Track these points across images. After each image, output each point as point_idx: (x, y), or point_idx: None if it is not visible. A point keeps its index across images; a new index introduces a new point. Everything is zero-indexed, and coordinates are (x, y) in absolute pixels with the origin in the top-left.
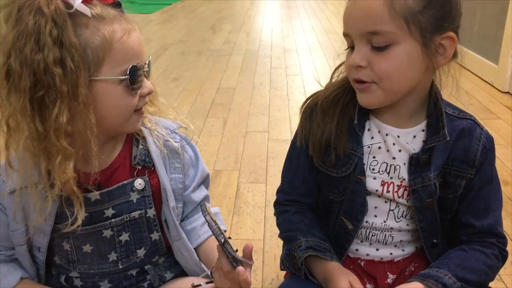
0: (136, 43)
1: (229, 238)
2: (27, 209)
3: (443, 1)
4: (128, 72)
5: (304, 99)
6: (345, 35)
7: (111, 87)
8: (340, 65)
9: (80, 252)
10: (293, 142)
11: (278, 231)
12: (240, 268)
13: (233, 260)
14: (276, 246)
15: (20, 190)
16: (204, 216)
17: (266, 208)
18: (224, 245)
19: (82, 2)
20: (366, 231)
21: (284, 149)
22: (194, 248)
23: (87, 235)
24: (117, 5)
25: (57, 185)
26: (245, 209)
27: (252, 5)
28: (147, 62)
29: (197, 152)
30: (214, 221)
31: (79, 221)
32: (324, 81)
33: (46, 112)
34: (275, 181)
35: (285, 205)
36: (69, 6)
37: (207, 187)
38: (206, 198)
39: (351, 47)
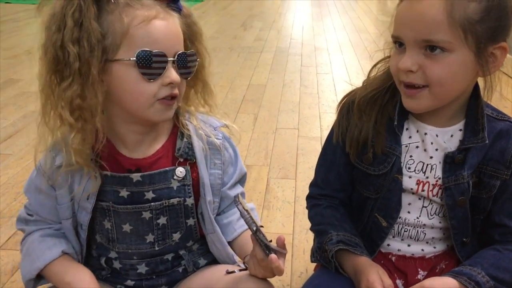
0: (158, 30)
1: (261, 226)
2: (72, 184)
3: (500, 12)
4: (135, 55)
5: (334, 97)
6: (395, 37)
7: (125, 69)
8: (378, 62)
9: (120, 231)
10: (329, 138)
11: (307, 226)
12: (273, 255)
13: (265, 248)
14: (305, 241)
15: (67, 166)
16: (236, 206)
17: (295, 203)
18: (256, 233)
19: None
20: (398, 227)
21: (313, 146)
22: (230, 242)
23: (127, 215)
24: (174, 1)
25: (71, 155)
26: (274, 204)
27: (283, 3)
28: (178, 53)
29: (236, 151)
30: (246, 211)
31: (88, 192)
32: (355, 80)
33: (62, 84)
34: (305, 177)
35: (317, 199)
36: None
37: (243, 185)
38: (242, 195)
39: (399, 43)
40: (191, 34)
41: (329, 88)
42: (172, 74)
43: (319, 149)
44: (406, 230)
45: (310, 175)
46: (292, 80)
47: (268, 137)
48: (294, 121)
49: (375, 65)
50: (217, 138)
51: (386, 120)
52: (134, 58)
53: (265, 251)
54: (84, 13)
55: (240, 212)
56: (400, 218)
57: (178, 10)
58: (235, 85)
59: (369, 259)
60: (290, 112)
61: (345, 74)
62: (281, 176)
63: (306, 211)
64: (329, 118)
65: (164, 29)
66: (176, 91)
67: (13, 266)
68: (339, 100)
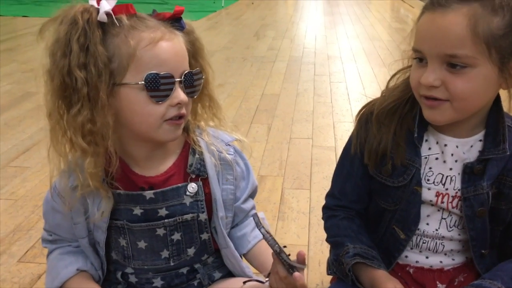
0: (164, 52)
1: (285, 247)
2: (85, 204)
3: None
4: (144, 78)
5: (348, 106)
6: (416, 50)
7: (134, 93)
8: (397, 72)
9: (135, 248)
10: (346, 148)
11: (322, 237)
12: (298, 274)
13: (289, 267)
14: (320, 252)
15: (81, 187)
16: (259, 229)
17: (310, 214)
18: (280, 255)
19: (122, 13)
20: (417, 238)
21: (328, 156)
22: (245, 253)
23: (142, 232)
24: (177, 20)
25: (87, 179)
26: (289, 215)
27: (295, 12)
28: (184, 73)
29: (248, 165)
30: (269, 233)
31: (105, 215)
32: (369, 89)
33: (71, 110)
34: (319, 187)
35: (334, 210)
36: (109, 17)
37: (253, 198)
38: (253, 207)
39: (419, 58)
40: (194, 52)
41: (343, 97)
42: (180, 94)
43: (333, 158)
44: (424, 242)
45: (325, 185)
46: (306, 89)
47: (282, 147)
48: (308, 130)
49: (393, 75)
50: (228, 154)
51: (406, 132)
52: (143, 82)
53: (289, 269)
54: (90, 37)
55: (263, 235)
56: (418, 229)
57: (181, 28)
58: (249, 95)
59: (387, 273)
60: (304, 122)
61: (358, 83)
62: (296, 186)
63: (321, 222)
64: (343, 127)
65: (170, 50)
66: (183, 110)
67: (31, 279)
68: (352, 109)
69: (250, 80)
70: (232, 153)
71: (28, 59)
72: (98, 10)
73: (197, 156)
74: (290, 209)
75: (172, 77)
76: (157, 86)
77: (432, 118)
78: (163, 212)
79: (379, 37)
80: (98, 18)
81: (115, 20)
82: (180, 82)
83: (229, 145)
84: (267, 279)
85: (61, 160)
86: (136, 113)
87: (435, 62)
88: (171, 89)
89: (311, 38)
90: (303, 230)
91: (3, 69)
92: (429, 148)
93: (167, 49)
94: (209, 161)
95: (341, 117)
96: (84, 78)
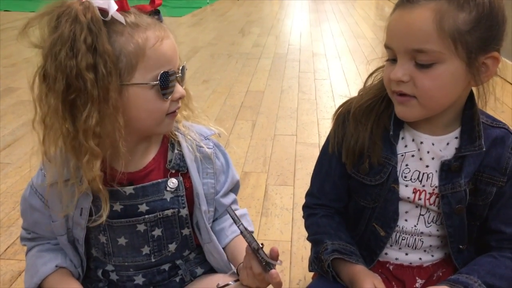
0: (168, 49)
1: (262, 245)
2: (63, 201)
3: (491, 22)
4: (159, 78)
5: (332, 103)
6: (387, 47)
7: (143, 92)
8: (375, 71)
9: (115, 245)
10: (324, 148)
11: (305, 233)
12: (274, 271)
13: (266, 264)
14: (303, 248)
15: (57, 184)
16: (238, 226)
17: (293, 210)
18: (258, 252)
19: (118, 10)
20: (396, 235)
21: (311, 152)
22: (222, 248)
23: (122, 228)
24: (156, 13)
25: (84, 181)
26: (273, 211)
27: (281, 9)
28: (180, 68)
29: (228, 159)
30: (246, 229)
31: (104, 218)
32: (353, 86)
33: (77, 113)
34: (303, 184)
35: (313, 208)
36: (105, 14)
37: (236, 193)
38: (234, 202)
39: (392, 59)
40: None
41: (327, 94)
42: (179, 88)
43: (317, 155)
44: (403, 238)
45: (308, 182)
46: (290, 86)
47: (267, 144)
48: (292, 127)
49: (371, 75)
50: (208, 148)
51: (382, 130)
52: (158, 82)
53: (265, 267)
54: (97, 36)
55: (241, 232)
56: (397, 226)
57: (161, 20)
58: (234, 91)
59: (365, 268)
60: (288, 119)
61: (343, 80)
62: (279, 183)
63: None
64: (327, 124)
65: (172, 47)
66: (180, 103)
67: (12, 276)
68: (336, 106)
69: (235, 76)
70: (212, 146)
71: (9, 54)
72: (97, 7)
73: (176, 151)
74: (273, 205)
75: (175, 73)
76: (167, 84)
77: (402, 115)
78: (143, 208)
79: (363, 35)
80: (112, 15)
81: (119, 19)
82: (179, 77)
83: (208, 139)
84: (236, 280)
85: (46, 159)
86: (144, 110)
87: (404, 58)
88: (174, 85)
89: (296, 35)
90: (286, 226)
91: None
92: (405, 146)
93: (170, 46)
94: (189, 155)
95: (325, 114)
96: (93, 80)
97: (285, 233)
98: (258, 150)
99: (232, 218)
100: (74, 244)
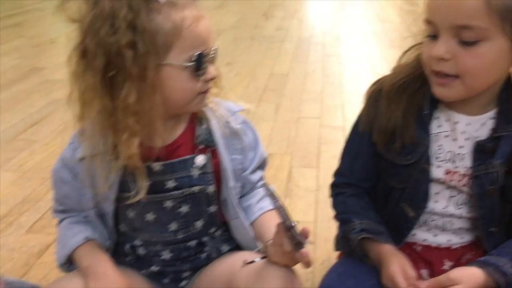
0: (204, 30)
1: (295, 223)
2: (94, 177)
3: None
4: (194, 59)
5: (357, 87)
6: (429, 22)
7: (177, 71)
8: (410, 48)
9: (143, 221)
10: (355, 126)
11: (329, 215)
12: (305, 250)
13: (297, 243)
14: (327, 229)
15: (89, 159)
16: (274, 202)
17: (317, 192)
18: (291, 230)
19: None
20: (425, 216)
21: (336, 135)
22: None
23: (150, 204)
24: None
25: (121, 158)
26: (296, 192)
27: None
28: (213, 49)
29: (257, 135)
30: (282, 206)
31: (142, 194)
32: (378, 70)
33: (116, 90)
34: (327, 167)
35: (342, 187)
36: None
37: (263, 169)
38: (261, 179)
39: (432, 36)
40: None
41: (352, 78)
42: (211, 69)
43: (341, 138)
44: (433, 219)
45: (332, 165)
46: (314, 70)
47: (290, 126)
48: (316, 110)
49: (406, 51)
50: (236, 124)
51: (415, 109)
52: (193, 63)
53: (296, 246)
54: (138, 13)
55: (278, 208)
56: (427, 207)
57: None
58: (257, 74)
59: (393, 248)
60: (312, 102)
61: (367, 64)
62: (303, 165)
63: (328, 200)
64: (352, 107)
65: (207, 27)
66: (211, 83)
67: (40, 249)
68: (361, 90)
69: (258, 59)
70: (241, 122)
71: (35, 34)
72: None
73: (204, 126)
74: (297, 187)
75: (209, 54)
76: (201, 65)
77: (442, 95)
78: (170, 184)
79: (388, 19)
80: None
81: None
82: (212, 57)
83: (235, 114)
84: (262, 256)
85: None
86: (176, 90)
87: (447, 34)
88: (207, 66)
89: (320, 19)
90: (310, 208)
91: (11, 44)
92: (439, 126)
93: (206, 27)
94: (217, 130)
95: (350, 98)
96: (133, 57)
97: (309, 214)
98: (282, 132)
99: (269, 195)
100: (102, 219)
